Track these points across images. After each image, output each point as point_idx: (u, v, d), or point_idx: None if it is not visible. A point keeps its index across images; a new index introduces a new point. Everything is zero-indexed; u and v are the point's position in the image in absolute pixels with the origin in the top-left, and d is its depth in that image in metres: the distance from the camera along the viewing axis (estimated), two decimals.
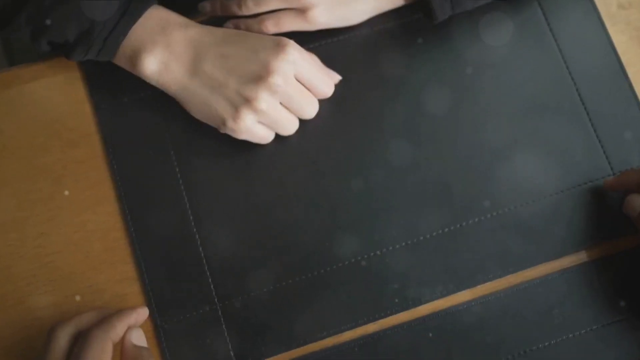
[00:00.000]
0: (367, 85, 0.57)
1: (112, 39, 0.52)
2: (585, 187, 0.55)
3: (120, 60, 0.54)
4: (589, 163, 0.56)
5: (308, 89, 0.54)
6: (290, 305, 0.53)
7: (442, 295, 0.54)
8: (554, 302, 0.53)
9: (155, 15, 0.53)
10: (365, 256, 0.54)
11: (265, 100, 0.51)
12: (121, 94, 0.56)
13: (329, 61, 0.56)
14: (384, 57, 0.58)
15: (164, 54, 0.52)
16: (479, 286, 0.54)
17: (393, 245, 0.54)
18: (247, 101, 0.51)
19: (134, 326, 0.50)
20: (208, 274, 0.54)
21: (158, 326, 0.53)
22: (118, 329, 0.48)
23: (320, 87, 0.55)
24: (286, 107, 0.54)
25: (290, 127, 0.55)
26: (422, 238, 0.54)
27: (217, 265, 0.54)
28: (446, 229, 0.55)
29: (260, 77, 0.51)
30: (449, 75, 0.57)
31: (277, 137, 0.56)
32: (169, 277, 0.54)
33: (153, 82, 0.54)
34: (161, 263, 0.54)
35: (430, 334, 0.53)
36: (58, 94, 0.56)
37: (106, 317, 0.48)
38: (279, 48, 0.51)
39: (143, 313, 0.51)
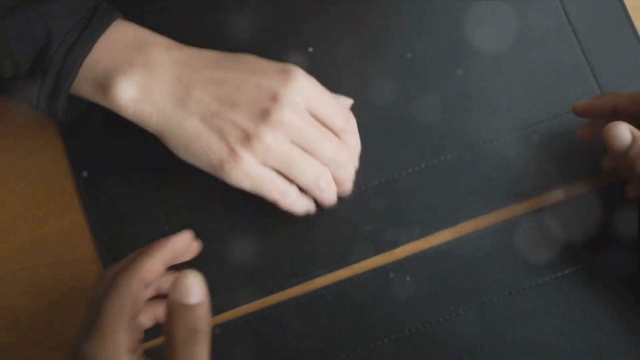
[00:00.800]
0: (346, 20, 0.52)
1: (76, 52, 0.41)
2: (572, 115, 0.51)
3: (84, 88, 0.43)
4: (578, 89, 0.51)
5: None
6: (255, 253, 0.49)
7: (421, 236, 0.49)
8: (540, 239, 0.49)
9: (130, 32, 0.44)
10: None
11: (269, 134, 0.43)
12: None
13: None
14: None
15: (143, 76, 0.42)
16: (460, 225, 0.50)
17: (365, 184, 0.50)
18: (246, 135, 0.42)
19: (176, 261, 0.44)
20: (164, 222, 0.49)
21: None
22: (148, 268, 0.40)
23: (338, 122, 0.46)
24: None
25: (312, 173, 0.45)
26: (397, 176, 0.50)
27: (175, 213, 0.49)
28: (423, 165, 0.50)
29: (263, 108, 0.43)
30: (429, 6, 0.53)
31: None
32: (121, 226, 0.49)
33: (128, 114, 0.43)
34: (113, 211, 0.49)
35: (408, 278, 0.48)
36: None
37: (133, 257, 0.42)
38: (285, 74, 0.43)
39: (182, 239, 0.43)
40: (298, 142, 0.44)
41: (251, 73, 0.43)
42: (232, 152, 0.42)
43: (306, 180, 0.45)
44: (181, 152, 0.44)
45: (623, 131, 0.43)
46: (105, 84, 0.42)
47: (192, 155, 0.44)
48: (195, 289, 0.36)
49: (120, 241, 0.48)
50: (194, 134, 0.43)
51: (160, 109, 0.43)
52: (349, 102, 0.49)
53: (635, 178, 0.44)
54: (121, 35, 0.43)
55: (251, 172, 0.43)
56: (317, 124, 0.45)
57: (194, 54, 0.44)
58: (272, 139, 0.43)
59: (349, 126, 0.47)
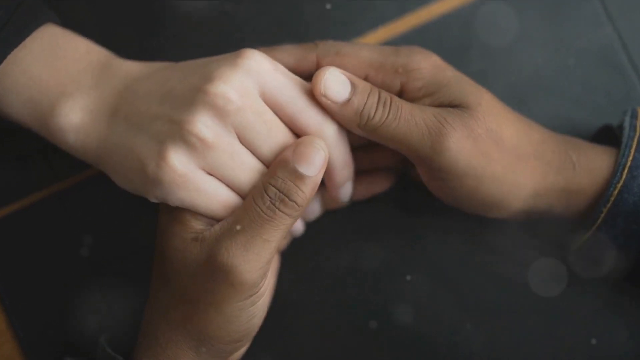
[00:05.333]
0: None
1: None
2: None
3: (18, 109, 0.36)
4: None
5: (289, 125, 0.35)
6: None
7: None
8: None
9: (82, 47, 0.37)
10: None
11: (203, 122, 0.32)
12: None
13: None
14: None
15: (90, 96, 0.36)
16: None
17: None
18: (176, 126, 0.33)
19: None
20: None
21: None
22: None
23: (312, 120, 0.35)
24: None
25: (249, 182, 0.35)
26: None
27: None
28: None
29: (197, 89, 0.33)
30: None
31: None
32: None
33: (69, 141, 0.36)
34: None
35: None
36: None
37: None
38: (235, 54, 0.34)
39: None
40: (244, 138, 0.34)
41: (200, 63, 0.35)
42: (160, 153, 0.33)
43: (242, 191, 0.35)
44: (120, 177, 0.35)
45: (337, 79, 0.35)
46: (46, 106, 0.36)
47: (125, 175, 0.35)
48: (317, 160, 0.33)
49: None
50: (127, 146, 0.34)
51: (101, 132, 0.35)
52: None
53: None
54: (70, 51, 0.36)
55: (183, 178, 0.33)
56: (273, 118, 0.34)
57: (145, 66, 0.37)
58: (207, 128, 0.33)
59: (332, 126, 0.35)
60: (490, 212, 0.37)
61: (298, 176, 0.33)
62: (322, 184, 0.37)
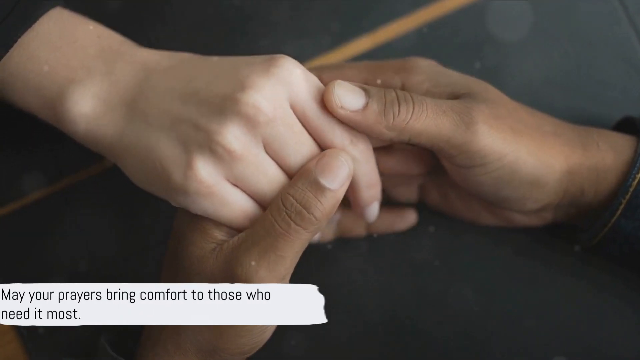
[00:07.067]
0: None
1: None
2: None
3: (24, 95, 0.35)
4: None
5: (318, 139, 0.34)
6: None
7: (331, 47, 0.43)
8: None
9: (93, 32, 0.35)
10: None
11: (233, 133, 0.31)
12: None
13: None
14: None
15: (102, 84, 0.34)
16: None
17: None
18: (205, 136, 0.32)
19: None
20: None
21: None
22: None
23: (338, 134, 0.33)
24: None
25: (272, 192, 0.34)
26: None
27: None
28: None
29: (230, 98, 0.32)
30: None
31: None
32: None
33: (80, 131, 0.34)
34: None
35: None
36: None
37: None
38: (268, 61, 0.33)
39: None
40: (270, 149, 0.33)
41: (229, 65, 0.34)
42: (188, 160, 0.32)
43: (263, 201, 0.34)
44: (138, 177, 0.34)
45: (347, 88, 0.33)
46: (56, 93, 0.34)
47: (144, 176, 0.34)
48: (341, 174, 0.33)
49: None
50: (147, 147, 0.33)
51: (116, 125, 0.34)
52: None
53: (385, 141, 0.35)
54: (81, 36, 0.35)
55: (210, 190, 0.32)
56: (301, 129, 0.33)
57: (166, 55, 0.36)
58: (236, 140, 0.32)
59: (357, 145, 0.34)
60: (531, 193, 0.35)
61: (319, 188, 0.32)
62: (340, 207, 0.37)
